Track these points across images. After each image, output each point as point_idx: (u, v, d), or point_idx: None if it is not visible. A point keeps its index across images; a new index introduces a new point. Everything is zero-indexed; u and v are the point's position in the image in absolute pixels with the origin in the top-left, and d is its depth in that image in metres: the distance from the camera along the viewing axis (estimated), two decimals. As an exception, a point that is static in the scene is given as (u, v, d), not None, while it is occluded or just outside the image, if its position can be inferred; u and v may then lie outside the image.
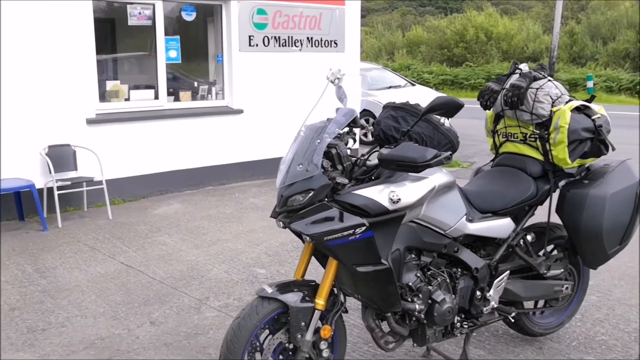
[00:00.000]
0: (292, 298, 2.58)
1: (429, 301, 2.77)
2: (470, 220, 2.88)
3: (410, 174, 2.62)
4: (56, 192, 6.01)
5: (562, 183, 3.14)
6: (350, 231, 2.46)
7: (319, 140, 2.51)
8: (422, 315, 2.78)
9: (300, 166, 2.50)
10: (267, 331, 2.65)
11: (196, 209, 6.66)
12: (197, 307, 4.01)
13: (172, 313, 3.91)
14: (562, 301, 3.33)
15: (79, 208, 6.62)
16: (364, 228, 2.46)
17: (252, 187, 7.76)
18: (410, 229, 2.68)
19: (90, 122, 6.67)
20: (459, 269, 2.93)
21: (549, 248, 3.26)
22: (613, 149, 3.04)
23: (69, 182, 6.14)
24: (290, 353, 2.66)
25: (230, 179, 7.95)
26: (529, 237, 3.10)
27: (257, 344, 2.63)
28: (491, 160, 3.38)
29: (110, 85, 7.11)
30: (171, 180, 7.46)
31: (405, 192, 2.57)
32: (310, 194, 2.46)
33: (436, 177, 2.70)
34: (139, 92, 7.31)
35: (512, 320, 3.19)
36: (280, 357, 2.66)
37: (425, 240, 2.73)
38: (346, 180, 2.48)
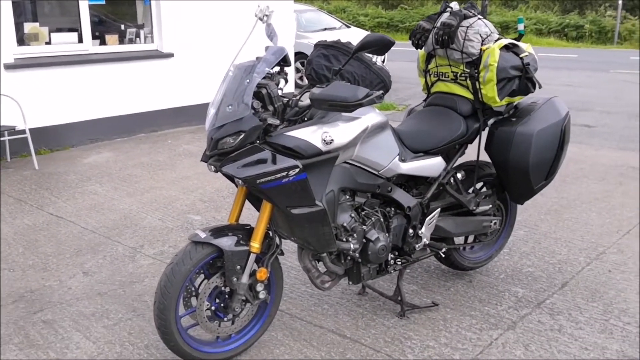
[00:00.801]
0: (227, 242, 2.56)
1: (364, 240, 2.81)
2: (403, 160, 2.90)
3: (342, 114, 2.60)
4: (-25, 143, 5.70)
5: (491, 121, 3.20)
6: (284, 173, 2.43)
7: (248, 80, 2.44)
8: (357, 254, 2.82)
9: (230, 107, 2.44)
10: (202, 276, 2.64)
11: (128, 157, 6.47)
12: (131, 255, 3.94)
13: (106, 262, 3.83)
14: (490, 236, 3.45)
15: (1, 159, 6.32)
16: (297, 170, 2.44)
17: (185, 133, 7.59)
18: (344, 170, 2.67)
19: (8, 67, 6.30)
20: (392, 208, 2.97)
21: (478, 185, 3.35)
22: (540, 87, 3.11)
23: (-13, 132, 5.83)
24: (227, 296, 2.66)
25: (162, 125, 7.74)
26: (459, 175, 3.17)
27: (192, 288, 2.61)
28: (423, 100, 3.40)
29: (28, 27, 6.69)
30: (101, 128, 7.20)
31: (338, 132, 2.55)
32: (241, 136, 2.41)
33: (369, 118, 2.69)
34: (61, 35, 6.93)
35: (443, 256, 3.28)
36: (217, 300, 2.65)
37: (359, 181, 2.74)
38: (277, 121, 2.44)
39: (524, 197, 3.26)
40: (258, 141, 2.46)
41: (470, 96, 3.10)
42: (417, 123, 3.13)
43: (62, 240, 4.18)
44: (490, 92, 3.00)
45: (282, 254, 2.76)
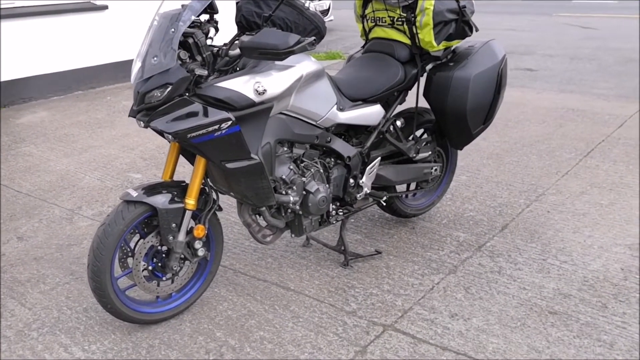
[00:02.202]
0: (160, 200, 2.48)
1: (303, 192, 2.77)
2: (341, 110, 2.85)
3: (276, 63, 2.52)
4: None
5: (429, 67, 3.16)
6: (216, 126, 2.35)
7: (173, 29, 2.32)
8: (298, 207, 2.78)
9: (155, 59, 2.32)
10: (137, 235, 2.56)
11: (64, 115, 6.23)
12: (69, 217, 3.81)
13: (42, 226, 3.70)
14: (432, 183, 3.46)
15: None
16: (229, 122, 2.36)
17: (125, 89, 7.34)
18: (280, 121, 2.60)
19: None
20: (332, 159, 2.93)
21: (418, 133, 3.33)
22: (476, 30, 3.07)
23: None
24: (164, 255, 2.60)
25: (100, 81, 7.46)
26: (398, 123, 3.14)
27: (128, 249, 2.54)
28: (361, 47, 3.33)
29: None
30: (35, 87, 6.88)
31: (271, 82, 2.47)
32: (169, 89, 2.30)
33: (303, 66, 2.61)
34: (-16, -12, 6.52)
35: (385, 204, 3.28)
36: (154, 260, 2.59)
37: (296, 132, 2.68)
38: (206, 72, 2.34)
39: (463, 142, 3.26)
40: (187, 94, 2.36)
41: (408, 41, 3.05)
42: (354, 71, 3.07)
43: (-5, 205, 4.01)
44: (427, 36, 2.95)
45: (219, 209, 2.70)
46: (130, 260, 2.55)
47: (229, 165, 2.44)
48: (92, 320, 2.72)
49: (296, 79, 2.56)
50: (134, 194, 2.47)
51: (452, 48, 3.18)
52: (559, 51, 9.26)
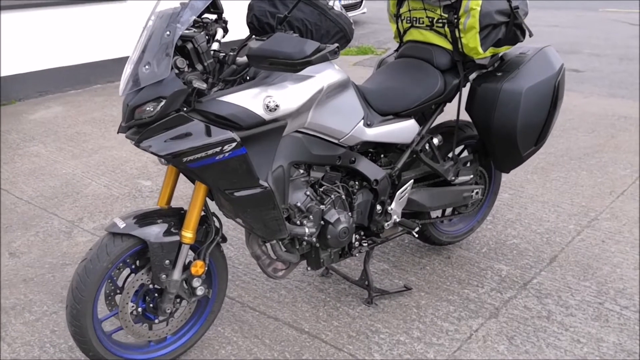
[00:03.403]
0: (152, 232, 2.10)
1: (322, 222, 2.37)
2: (369, 125, 2.44)
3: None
4: None
5: (473, 76, 2.72)
6: (217, 149, 1.96)
7: (168, 32, 1.93)
8: (314, 239, 2.39)
9: (147, 67, 1.94)
10: (127, 270, 2.19)
11: (79, 112, 5.92)
12: (67, 230, 3.48)
13: (38, 240, 3.37)
14: (471, 207, 3.03)
15: (-62, 116, 5.75)
16: (234, 144, 1.98)
17: (145, 84, 7.00)
18: (295, 141, 2.21)
19: (-61, 13, 5.65)
20: (357, 182, 2.53)
21: (458, 150, 2.90)
22: (530, 35, 2.62)
23: None
24: (157, 295, 2.23)
25: (120, 75, 7.12)
26: (435, 141, 2.71)
27: (113, 286, 2.17)
28: (395, 51, 2.91)
29: (-39, -32, 6.01)
30: (52, 80, 6.60)
31: (285, 96, 2.07)
32: (162, 103, 1.92)
33: (325, 76, 2.21)
34: (0, -24, 6.24)
35: (416, 236, 2.86)
36: (146, 299, 2.22)
37: (315, 152, 2.28)
38: (204, 85, 1.94)
39: (510, 165, 2.82)
40: (185, 109, 1.98)
41: (449, 46, 2.62)
42: (386, 79, 2.65)
43: (-9, 214, 3.70)
44: (471, 41, 2.52)
45: (224, 240, 2.32)
46: (119, 297, 2.19)
47: (233, 194, 2.06)
48: (75, 363, 2.37)
49: (315, 92, 2.16)
50: (121, 224, 2.10)
51: (500, 55, 2.74)
52: (607, 50, 8.65)
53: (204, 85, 1.93)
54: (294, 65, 1.90)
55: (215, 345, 2.46)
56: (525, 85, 2.55)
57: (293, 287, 2.85)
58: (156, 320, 2.25)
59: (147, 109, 1.93)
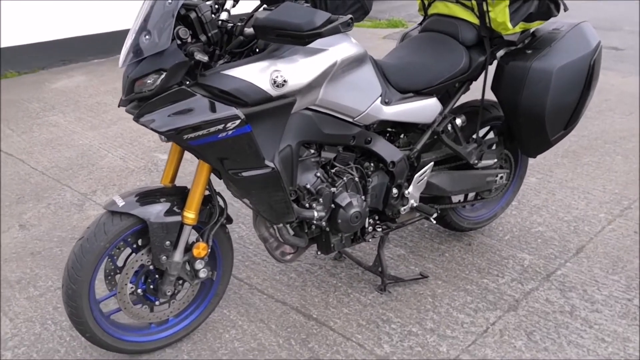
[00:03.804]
0: (153, 211, 2.01)
1: (332, 206, 2.25)
2: (387, 103, 2.29)
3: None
4: None
5: (500, 53, 2.53)
6: (220, 126, 1.84)
7: (170, 0, 1.80)
8: (324, 223, 2.27)
9: (148, 37, 1.82)
10: (128, 249, 2.10)
11: (101, 81, 5.86)
12: (79, 203, 3.42)
13: (49, 212, 3.32)
14: (495, 192, 2.86)
15: (-38, 83, 5.74)
16: (237, 122, 1.85)
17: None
18: (305, 119, 2.07)
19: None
20: (372, 164, 2.38)
21: (484, 131, 2.73)
22: (565, 9, 2.43)
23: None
24: (158, 276, 2.13)
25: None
26: (458, 121, 2.54)
27: (113, 266, 2.08)
28: (419, 24, 2.74)
29: None
30: (76, 48, 6.55)
31: (295, 71, 1.93)
32: (162, 76, 1.81)
33: (339, 50, 2.06)
34: (24, -59, 6.16)
35: (434, 222, 2.71)
36: (147, 280, 2.13)
37: (326, 131, 2.14)
38: (206, 57, 1.82)
39: (537, 149, 2.64)
40: (188, 82, 1.86)
41: (476, 21, 2.44)
42: (407, 54, 2.49)
43: (6, 184, 3.66)
44: (500, 15, 2.34)
45: (229, 221, 2.22)
46: (117, 277, 2.10)
47: (237, 175, 1.95)
48: (75, 341, 2.30)
49: (328, 66, 2.01)
50: (120, 203, 2.00)
51: (532, 31, 2.55)
52: (648, 28, 8.24)
53: (205, 58, 1.80)
54: (301, 38, 1.76)
55: (219, 328, 2.38)
56: (557, 63, 2.36)
57: (304, 270, 2.74)
58: (157, 302, 2.16)
59: (148, 81, 1.82)
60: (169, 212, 2.02)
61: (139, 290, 2.12)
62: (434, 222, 2.65)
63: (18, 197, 3.49)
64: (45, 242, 3.01)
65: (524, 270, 2.73)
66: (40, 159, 4.03)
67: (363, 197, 2.34)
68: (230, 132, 1.86)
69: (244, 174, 1.95)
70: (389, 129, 2.46)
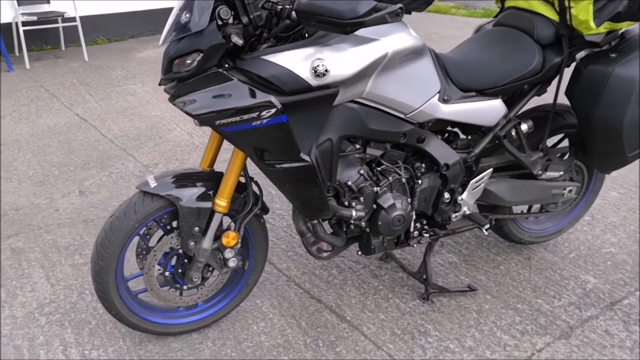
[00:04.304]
0: (185, 195, 1.95)
1: (374, 206, 2.12)
2: (445, 101, 2.11)
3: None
4: (21, 28, 5.34)
5: (581, 55, 2.29)
6: (254, 114, 1.75)
7: (212, -22, 1.72)
8: (364, 224, 2.14)
9: (187, 15, 1.75)
10: (160, 231, 2.07)
11: (184, 54, 5.92)
12: (140, 175, 3.46)
13: (109, 181, 3.38)
14: (563, 206, 2.62)
15: (56, 47, 5.98)
16: (273, 110, 1.75)
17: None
18: (350, 112, 1.94)
19: (62, -54, 5.81)
20: (423, 164, 2.22)
21: (557, 138, 2.50)
22: (659, 10, 2.15)
23: (34, 18, 5.43)
24: (186, 261, 2.09)
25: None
26: (524, 127, 2.32)
27: (145, 245, 2.05)
28: (494, 17, 2.52)
29: None
30: (165, 19, 6.65)
31: (339, 60, 1.80)
32: (199, 58, 1.73)
33: (392, 40, 1.90)
34: None
35: (486, 233, 2.51)
36: (175, 263, 2.09)
37: (373, 127, 2.00)
38: (241, 41, 1.72)
39: (610, 165, 2.38)
40: (227, 65, 1.78)
41: (555, 17, 2.20)
42: (474, 50, 2.29)
43: (74, 149, 3.76)
44: (582, 13, 2.09)
45: (264, 211, 2.14)
46: (150, 257, 2.08)
47: (270, 166, 1.85)
48: (106, 315, 2.31)
49: (377, 57, 1.86)
50: (153, 184, 1.96)
51: (620, 32, 2.28)
52: None
53: (240, 41, 1.71)
54: (343, 26, 1.63)
55: (249, 318, 2.32)
56: (644, 71, 2.10)
57: (346, 267, 2.63)
58: (185, 287, 2.12)
59: (187, 61, 1.75)
60: (200, 198, 1.96)
61: (167, 273, 2.08)
62: (486, 233, 2.45)
63: (84, 163, 3.57)
64: (100, 211, 3.06)
65: (585, 294, 2.49)
66: (112, 126, 4.12)
67: (409, 199, 2.19)
68: (265, 121, 1.77)
69: (278, 165, 1.85)
70: (448, 129, 2.29)
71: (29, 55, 5.41)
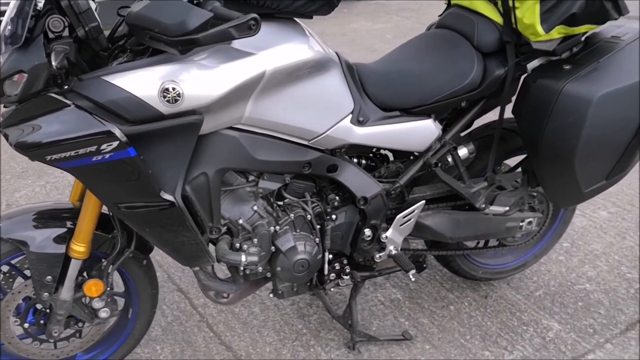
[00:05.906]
0: (36, 237, 1.65)
1: (272, 248, 1.77)
2: (361, 122, 1.75)
3: (219, 45, 1.48)
4: None
5: (534, 64, 1.88)
6: (92, 147, 1.42)
7: (34, -19, 1.39)
8: (261, 269, 1.80)
9: (9, 27, 1.42)
10: (20, 278, 1.76)
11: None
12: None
13: (42, 192, 3.10)
14: (522, 239, 2.22)
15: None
16: (116, 144, 1.42)
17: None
18: (228, 141, 1.59)
19: None
20: (338, 196, 1.86)
21: (511, 164, 2.11)
22: (624, 12, 1.73)
23: None
24: (48, 310, 1.79)
25: None
26: (463, 151, 1.93)
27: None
28: (439, 16, 2.12)
29: None
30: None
31: (198, 82, 1.45)
32: (24, 80, 1.41)
33: (273, 54, 1.53)
34: None
35: (413, 279, 2.15)
36: (34, 315, 1.79)
37: (261, 158, 1.64)
38: (63, 62, 1.38)
39: (564, 200, 1.96)
40: (65, 87, 1.45)
41: (499, 20, 1.81)
42: (403, 58, 1.91)
43: (16, 154, 3.50)
44: (528, 15, 1.70)
45: (145, 252, 1.82)
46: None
47: (122, 210, 1.53)
48: None
49: (250, 77, 1.50)
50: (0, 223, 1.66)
51: (584, 37, 1.86)
52: None
53: (56, 63, 1.36)
54: (174, 45, 1.28)
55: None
56: (601, 89, 1.68)
57: (271, 304, 2.30)
58: (51, 340, 1.82)
59: (9, 85, 1.43)
60: (54, 241, 1.65)
61: (27, 325, 1.78)
62: (413, 279, 2.07)
63: (22, 171, 3.31)
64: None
65: (543, 345, 2.10)
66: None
67: (318, 239, 1.83)
68: (107, 156, 1.43)
69: (133, 209, 1.53)
70: (372, 153, 1.92)
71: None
